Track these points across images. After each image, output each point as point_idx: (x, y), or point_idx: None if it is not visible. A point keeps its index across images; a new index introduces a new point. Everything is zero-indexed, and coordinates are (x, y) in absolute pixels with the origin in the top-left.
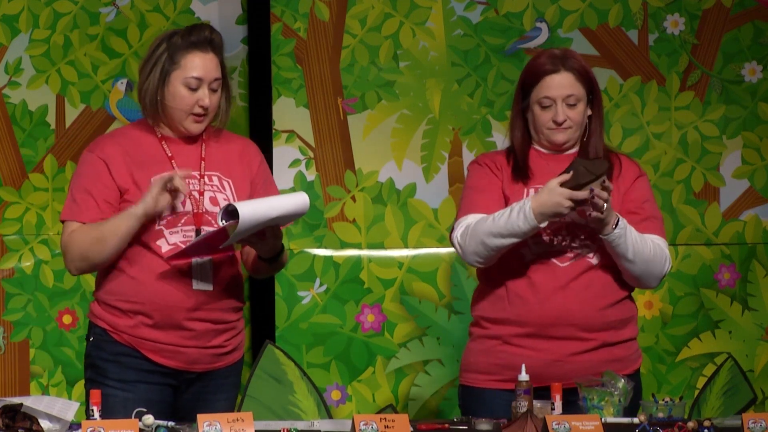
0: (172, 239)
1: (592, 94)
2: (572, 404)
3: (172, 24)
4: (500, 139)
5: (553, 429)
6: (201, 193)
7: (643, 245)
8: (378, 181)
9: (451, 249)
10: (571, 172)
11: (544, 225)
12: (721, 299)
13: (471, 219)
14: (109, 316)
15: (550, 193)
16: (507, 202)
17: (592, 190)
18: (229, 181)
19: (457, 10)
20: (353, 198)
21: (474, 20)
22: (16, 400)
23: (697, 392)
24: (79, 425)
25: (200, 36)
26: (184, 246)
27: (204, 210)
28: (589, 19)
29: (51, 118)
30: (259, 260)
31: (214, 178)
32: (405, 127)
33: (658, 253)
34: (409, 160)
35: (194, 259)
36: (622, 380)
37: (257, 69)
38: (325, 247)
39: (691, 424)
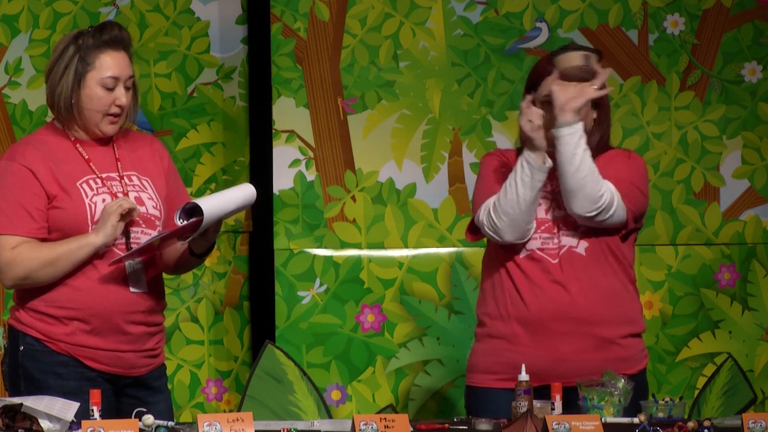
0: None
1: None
2: (572, 403)
3: (172, 24)
4: (500, 138)
5: (553, 429)
6: (126, 195)
7: (587, 161)
8: (378, 181)
9: (452, 249)
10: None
11: (549, 164)
12: (721, 299)
13: (490, 201)
14: (41, 324)
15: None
16: None
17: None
18: (148, 179)
19: (457, 10)
20: (353, 198)
21: (474, 20)
22: (16, 400)
23: (697, 392)
24: (79, 425)
25: (111, 34)
26: (121, 251)
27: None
28: (589, 19)
29: (51, 119)
30: (189, 255)
31: (134, 178)
32: (405, 127)
33: (599, 179)
34: (409, 160)
35: (127, 262)
36: (622, 380)
37: (257, 69)
38: (325, 247)
39: (691, 424)
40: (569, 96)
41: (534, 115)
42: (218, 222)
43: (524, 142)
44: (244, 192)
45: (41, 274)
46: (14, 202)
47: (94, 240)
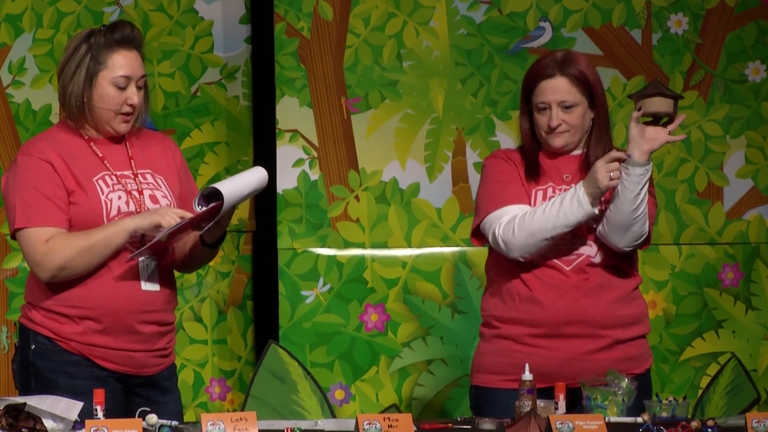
0: None
1: (593, 97)
2: (578, 404)
3: (175, 23)
4: (504, 138)
5: (556, 428)
6: (140, 193)
7: (645, 203)
8: (381, 181)
9: (455, 248)
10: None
11: (597, 210)
12: (725, 299)
13: (511, 212)
14: (53, 323)
15: (592, 173)
16: None
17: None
18: (161, 177)
19: (460, 10)
20: (357, 197)
21: (477, 20)
22: (19, 399)
23: (700, 392)
24: (82, 424)
25: (123, 33)
26: (135, 247)
27: (146, 209)
28: (592, 19)
29: (54, 118)
30: (202, 246)
31: (148, 176)
32: (408, 127)
33: (647, 218)
34: (412, 159)
35: (140, 260)
36: (626, 380)
37: (261, 68)
38: (329, 247)
39: (694, 424)
40: (648, 137)
41: (617, 172)
42: (231, 208)
43: (588, 184)
44: (256, 175)
45: (77, 262)
46: (40, 195)
47: (128, 224)
